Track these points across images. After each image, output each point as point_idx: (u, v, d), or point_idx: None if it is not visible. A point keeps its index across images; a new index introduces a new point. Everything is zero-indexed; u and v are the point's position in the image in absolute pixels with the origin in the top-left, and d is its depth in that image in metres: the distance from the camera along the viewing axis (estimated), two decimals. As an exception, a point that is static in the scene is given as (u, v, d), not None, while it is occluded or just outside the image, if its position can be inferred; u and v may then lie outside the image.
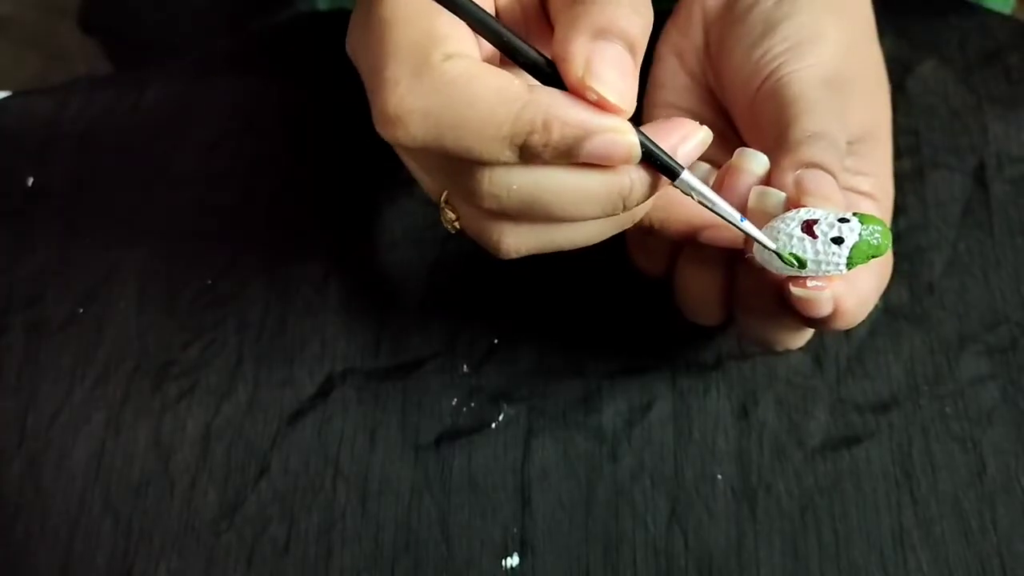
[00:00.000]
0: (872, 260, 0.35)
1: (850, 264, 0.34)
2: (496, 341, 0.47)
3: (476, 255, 0.48)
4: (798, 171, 0.36)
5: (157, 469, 0.45)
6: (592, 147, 0.31)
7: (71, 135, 0.53)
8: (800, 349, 0.43)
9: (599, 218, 0.34)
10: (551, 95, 0.31)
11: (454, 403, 0.45)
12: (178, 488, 0.44)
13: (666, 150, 0.33)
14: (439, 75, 0.30)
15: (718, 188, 0.38)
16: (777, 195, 0.36)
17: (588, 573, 0.42)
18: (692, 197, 0.34)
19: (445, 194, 0.36)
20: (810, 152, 0.36)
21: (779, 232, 0.35)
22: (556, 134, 0.30)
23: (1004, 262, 0.47)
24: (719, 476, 0.43)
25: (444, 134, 0.30)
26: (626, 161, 0.32)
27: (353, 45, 0.34)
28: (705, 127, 0.34)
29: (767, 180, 0.37)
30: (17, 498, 0.44)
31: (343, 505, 0.43)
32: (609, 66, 0.31)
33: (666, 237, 0.38)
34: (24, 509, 0.44)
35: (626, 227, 0.36)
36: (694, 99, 0.44)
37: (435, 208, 0.49)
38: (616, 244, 0.44)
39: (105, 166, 0.52)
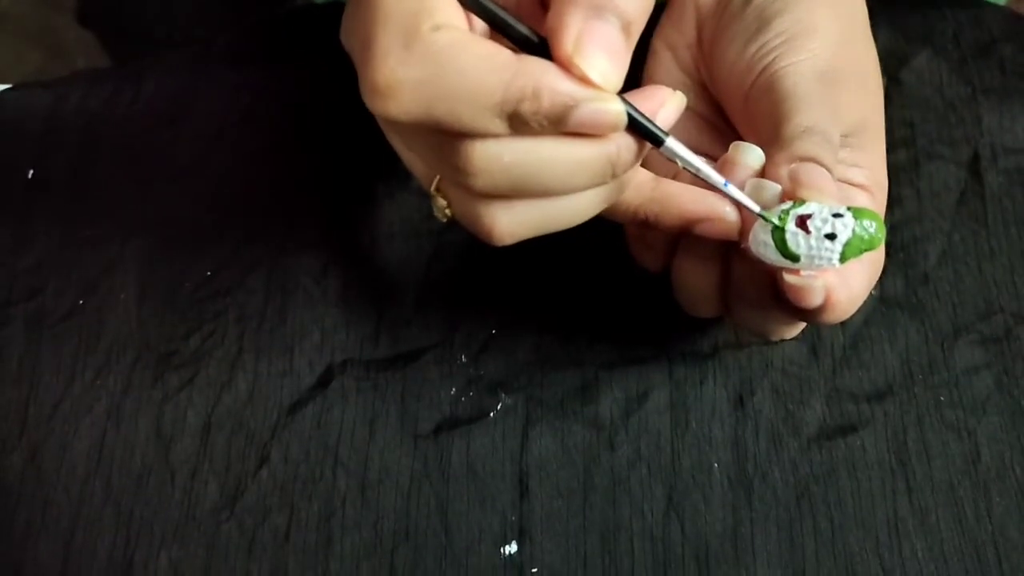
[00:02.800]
0: (865, 253, 0.35)
1: (843, 259, 0.35)
2: (494, 331, 0.47)
3: (474, 246, 0.48)
4: (792, 165, 0.36)
5: (158, 459, 0.45)
6: (580, 116, 0.31)
7: (71, 128, 0.53)
8: (796, 339, 0.44)
9: (589, 188, 0.34)
10: (540, 64, 0.31)
11: (452, 393, 0.46)
12: (179, 478, 0.44)
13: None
14: (429, 45, 0.30)
15: None
16: (773, 187, 0.36)
17: (586, 561, 0.42)
18: (677, 163, 0.35)
19: (436, 181, 0.36)
20: (804, 146, 0.37)
21: (773, 225, 0.35)
22: (546, 102, 0.31)
23: (998, 252, 0.47)
24: (715, 464, 0.43)
25: (435, 105, 0.30)
26: (613, 129, 0.32)
27: (346, 30, 0.34)
28: (680, 92, 0.34)
29: (762, 173, 0.37)
30: (18, 488, 0.45)
31: (343, 494, 0.44)
32: (599, 46, 0.31)
33: (662, 231, 0.39)
34: (25, 499, 0.44)
35: (615, 199, 0.36)
36: (688, 94, 0.44)
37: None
38: (611, 235, 0.44)
39: (105, 158, 0.52)
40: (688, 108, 0.44)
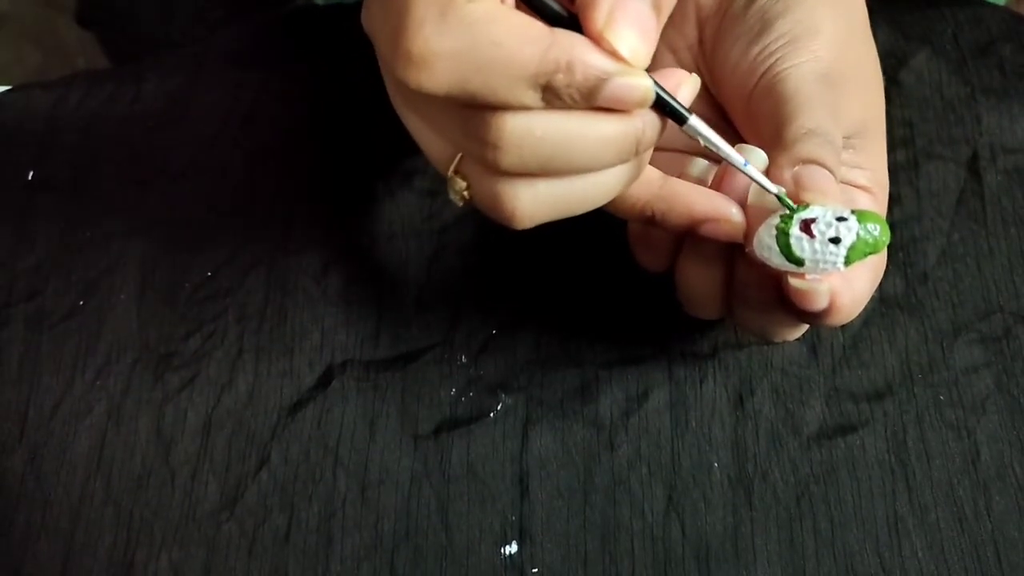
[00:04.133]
0: (869, 257, 0.35)
1: (847, 262, 0.35)
2: (494, 331, 0.47)
3: (474, 246, 0.48)
4: (796, 167, 0.36)
5: (158, 460, 0.45)
6: (611, 90, 0.31)
7: (71, 128, 0.53)
8: (796, 339, 0.44)
9: (613, 166, 0.34)
10: (573, 38, 0.31)
11: (453, 393, 0.46)
12: (179, 479, 0.44)
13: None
14: (464, 15, 0.30)
15: (717, 184, 0.38)
16: (777, 191, 0.36)
17: (586, 561, 0.42)
18: (699, 142, 0.35)
19: (455, 163, 0.35)
20: (807, 149, 0.37)
21: (777, 229, 0.35)
22: (579, 75, 0.31)
23: (997, 252, 0.47)
24: (715, 464, 0.43)
25: (470, 76, 0.30)
26: (641, 105, 0.32)
27: (370, 10, 0.34)
28: (695, 75, 0.35)
29: (766, 175, 0.37)
30: (19, 489, 0.45)
31: (343, 495, 0.44)
32: (630, 23, 0.31)
33: (668, 229, 0.39)
34: (25, 500, 0.44)
35: (634, 180, 0.36)
36: None
37: (433, 200, 0.50)
38: (612, 235, 0.44)
39: (105, 159, 0.52)
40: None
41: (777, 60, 0.39)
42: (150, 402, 0.46)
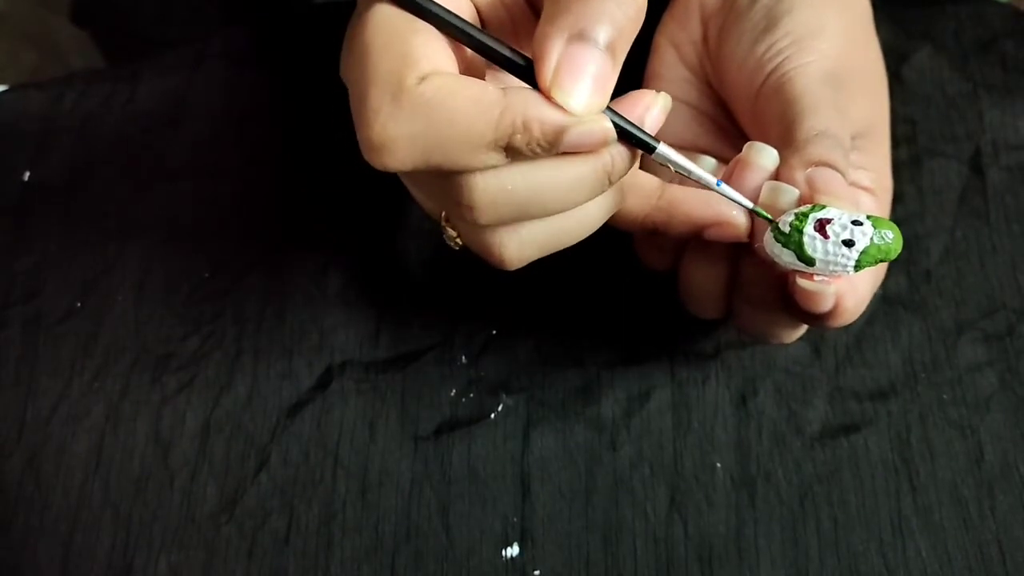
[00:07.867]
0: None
1: (858, 266, 0.35)
2: (495, 332, 0.47)
3: (474, 246, 0.48)
4: (808, 169, 0.36)
5: (157, 462, 0.45)
6: (570, 138, 0.32)
7: (67, 129, 0.53)
8: (799, 338, 0.44)
9: (589, 200, 0.34)
10: (526, 96, 0.31)
11: (453, 394, 0.45)
12: (178, 481, 0.44)
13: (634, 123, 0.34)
14: (416, 98, 0.31)
15: (727, 181, 0.38)
16: (791, 192, 0.36)
17: (588, 562, 0.42)
18: (669, 168, 0.35)
19: (445, 212, 0.36)
20: (819, 151, 0.37)
21: (790, 227, 0.35)
22: (536, 131, 0.31)
23: (1000, 249, 0.47)
24: (718, 465, 0.43)
25: (431, 154, 0.31)
26: (603, 145, 0.33)
27: (344, 71, 0.35)
28: (664, 93, 0.35)
29: (775, 175, 0.37)
30: (17, 492, 0.45)
31: (343, 496, 0.43)
32: (579, 74, 0.31)
33: (671, 237, 0.39)
34: (24, 503, 0.44)
35: (616, 207, 0.36)
36: (692, 91, 0.44)
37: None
38: (612, 234, 0.44)
39: (101, 159, 0.52)
40: (691, 105, 0.44)
41: (785, 59, 0.39)
42: (148, 404, 0.46)
